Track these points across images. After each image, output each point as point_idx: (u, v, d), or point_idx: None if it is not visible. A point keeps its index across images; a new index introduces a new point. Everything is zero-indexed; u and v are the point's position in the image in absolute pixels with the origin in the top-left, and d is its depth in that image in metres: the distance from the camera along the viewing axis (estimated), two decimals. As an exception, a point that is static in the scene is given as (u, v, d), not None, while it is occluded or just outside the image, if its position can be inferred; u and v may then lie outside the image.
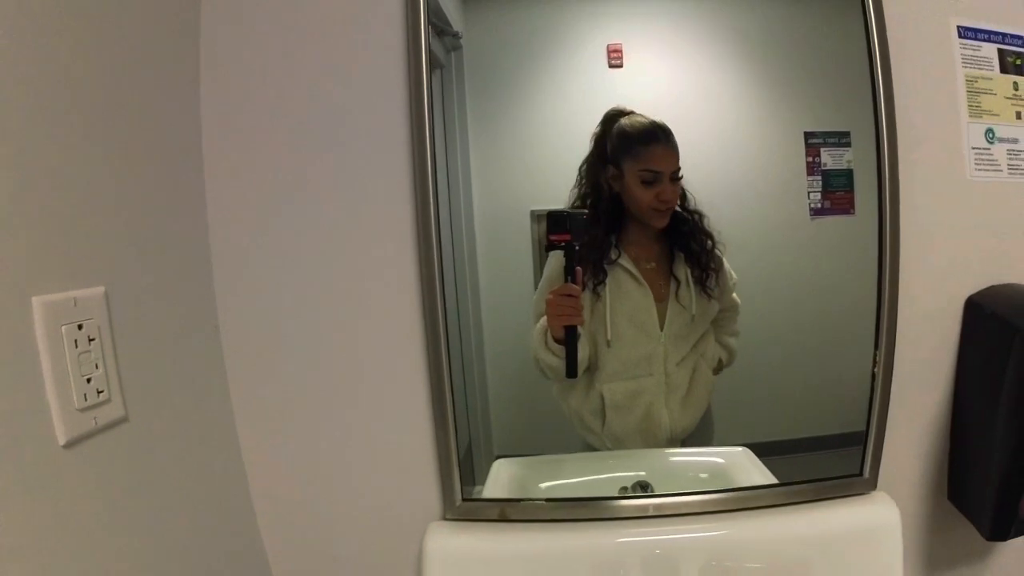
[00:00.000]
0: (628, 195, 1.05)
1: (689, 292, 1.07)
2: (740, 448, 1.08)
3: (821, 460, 1.19)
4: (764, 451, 1.16)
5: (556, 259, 1.04)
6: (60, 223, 0.70)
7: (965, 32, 1.07)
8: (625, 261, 1.06)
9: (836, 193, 1.18)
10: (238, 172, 1.02)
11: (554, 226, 0.99)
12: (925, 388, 1.10)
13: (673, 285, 1.07)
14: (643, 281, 1.06)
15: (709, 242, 1.07)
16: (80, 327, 0.71)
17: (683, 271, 1.07)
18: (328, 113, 1.03)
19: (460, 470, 1.02)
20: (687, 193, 1.08)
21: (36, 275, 0.67)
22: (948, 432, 1.10)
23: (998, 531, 1.00)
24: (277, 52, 1.01)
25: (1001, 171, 1.08)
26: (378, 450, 1.07)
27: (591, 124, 1.16)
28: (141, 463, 0.80)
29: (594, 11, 1.17)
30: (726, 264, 1.10)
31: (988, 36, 1.08)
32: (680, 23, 1.17)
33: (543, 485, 1.02)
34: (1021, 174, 1.10)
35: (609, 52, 1.16)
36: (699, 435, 1.14)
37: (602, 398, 1.06)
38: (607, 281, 1.05)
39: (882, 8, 1.00)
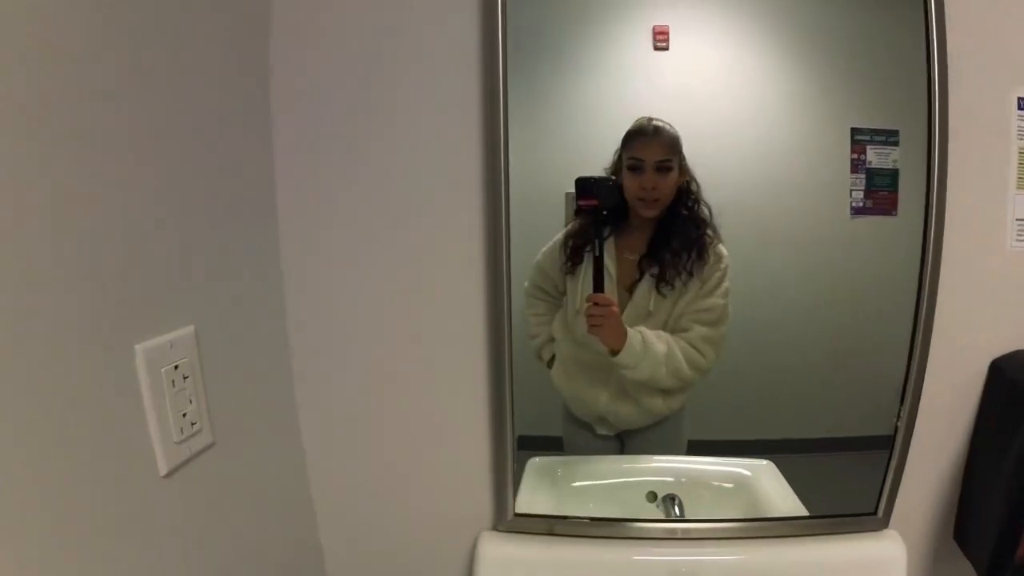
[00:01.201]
0: (624, 184, 1.08)
1: (650, 287, 1.09)
2: (764, 461, 1.10)
3: (844, 462, 1.18)
4: (789, 448, 1.15)
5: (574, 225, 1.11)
6: (157, 268, 0.74)
7: (1024, 103, 1.05)
8: (605, 249, 1.08)
9: (879, 192, 1.15)
10: (308, 208, 1.07)
11: (582, 191, 1.02)
12: (944, 439, 1.15)
13: (645, 280, 1.10)
14: (612, 269, 1.10)
15: (694, 233, 1.08)
16: (176, 367, 0.76)
17: (650, 266, 1.10)
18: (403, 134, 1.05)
19: (514, 488, 1.10)
20: (693, 185, 1.08)
21: (137, 321, 0.71)
22: (961, 476, 1.15)
23: (993, 574, 1.07)
24: (354, 83, 1.04)
25: (1042, 243, 1.10)
26: (438, 464, 1.15)
27: (632, 106, 1.13)
28: (225, 481, 0.87)
29: (641, -11, 1.13)
30: (721, 265, 1.08)
31: (1047, 107, 1.09)
32: (729, 8, 1.14)
33: (575, 484, 1.13)
34: (1061, 247, 1.11)
35: (655, 34, 1.13)
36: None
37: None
38: (583, 264, 1.09)
39: (947, 83, 1.02)
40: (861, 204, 1.13)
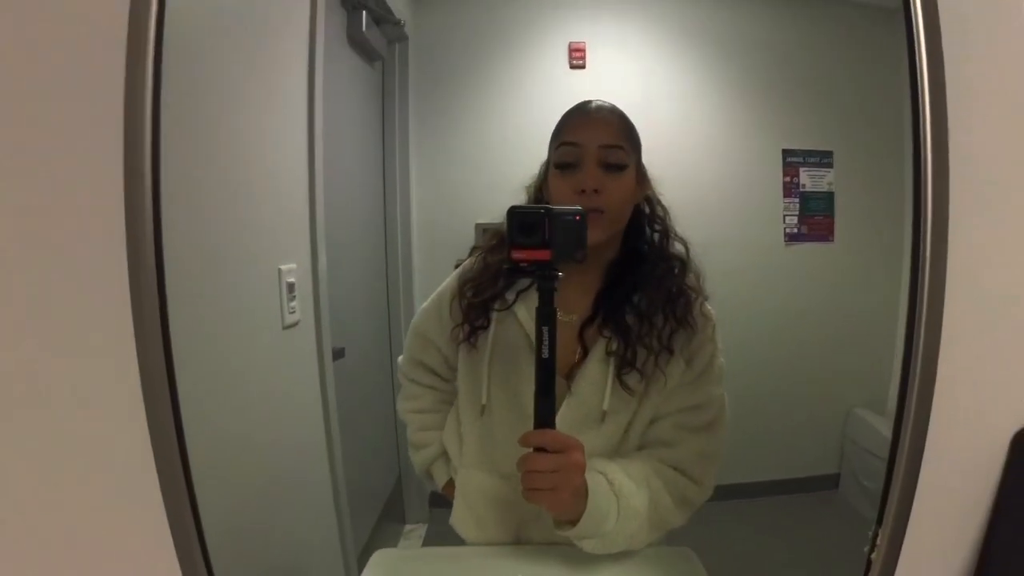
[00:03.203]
0: (551, 193, 0.64)
1: (602, 372, 0.63)
2: (681, 548, 0.67)
3: (793, 506, 1.10)
4: (731, 494, 1.05)
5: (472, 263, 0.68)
6: None
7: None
8: (522, 308, 0.65)
9: (814, 218, 1.08)
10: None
11: (522, 233, 0.52)
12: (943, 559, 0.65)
13: (594, 360, 0.64)
14: (535, 340, 0.60)
15: (670, 282, 0.63)
16: None
17: (603, 340, 0.63)
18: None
19: None
20: (659, 208, 0.66)
21: None
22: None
23: None
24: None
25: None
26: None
27: (546, 128, 1.01)
28: None
29: (557, 4, 1.05)
30: (710, 332, 0.64)
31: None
32: (650, 23, 1.07)
33: None
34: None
35: (571, 51, 1.05)
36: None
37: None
38: (490, 330, 0.66)
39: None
40: (796, 231, 1.06)
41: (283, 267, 0.77)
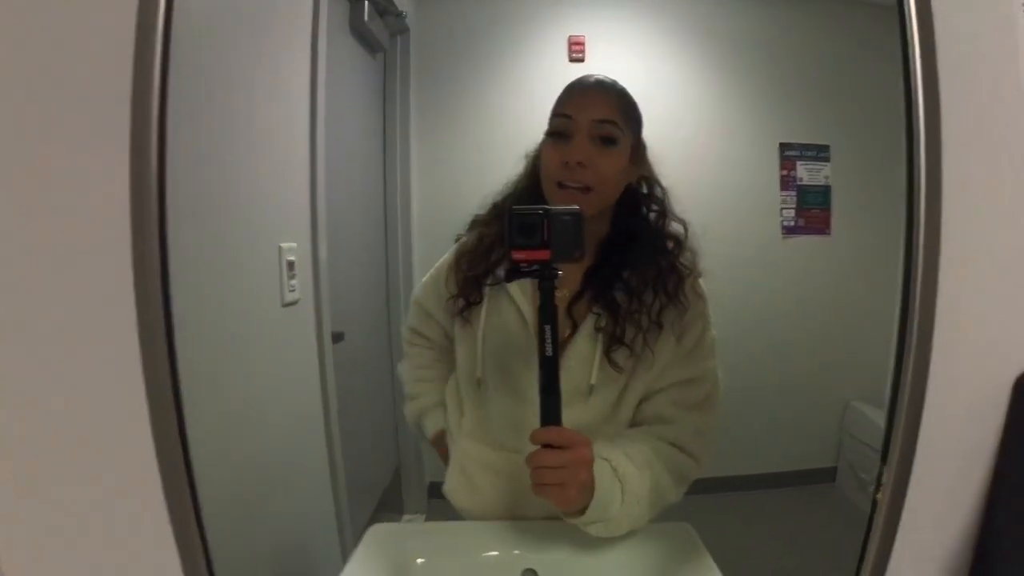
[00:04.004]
0: (541, 163, 0.63)
1: (591, 348, 0.63)
2: (680, 524, 0.66)
3: (790, 499, 1.09)
4: (729, 486, 1.06)
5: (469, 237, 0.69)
6: None
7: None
8: (514, 284, 0.65)
9: (811, 211, 1.09)
10: None
11: (521, 234, 0.53)
12: (946, 512, 0.66)
13: (583, 335, 0.64)
14: (527, 316, 0.65)
15: (663, 260, 0.63)
16: None
17: (592, 316, 0.63)
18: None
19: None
20: (657, 189, 0.66)
21: None
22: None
23: None
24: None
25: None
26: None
27: (545, 121, 1.02)
28: None
29: (557, -1, 1.07)
30: (702, 309, 0.64)
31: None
32: (649, 18, 1.08)
33: (420, 561, 0.62)
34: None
35: (571, 44, 1.07)
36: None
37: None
38: (483, 304, 0.66)
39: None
40: (793, 223, 1.07)
41: (283, 245, 0.78)
